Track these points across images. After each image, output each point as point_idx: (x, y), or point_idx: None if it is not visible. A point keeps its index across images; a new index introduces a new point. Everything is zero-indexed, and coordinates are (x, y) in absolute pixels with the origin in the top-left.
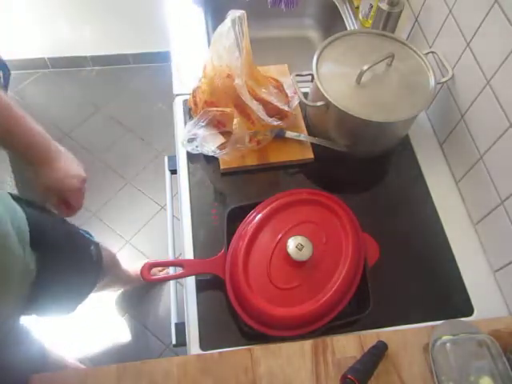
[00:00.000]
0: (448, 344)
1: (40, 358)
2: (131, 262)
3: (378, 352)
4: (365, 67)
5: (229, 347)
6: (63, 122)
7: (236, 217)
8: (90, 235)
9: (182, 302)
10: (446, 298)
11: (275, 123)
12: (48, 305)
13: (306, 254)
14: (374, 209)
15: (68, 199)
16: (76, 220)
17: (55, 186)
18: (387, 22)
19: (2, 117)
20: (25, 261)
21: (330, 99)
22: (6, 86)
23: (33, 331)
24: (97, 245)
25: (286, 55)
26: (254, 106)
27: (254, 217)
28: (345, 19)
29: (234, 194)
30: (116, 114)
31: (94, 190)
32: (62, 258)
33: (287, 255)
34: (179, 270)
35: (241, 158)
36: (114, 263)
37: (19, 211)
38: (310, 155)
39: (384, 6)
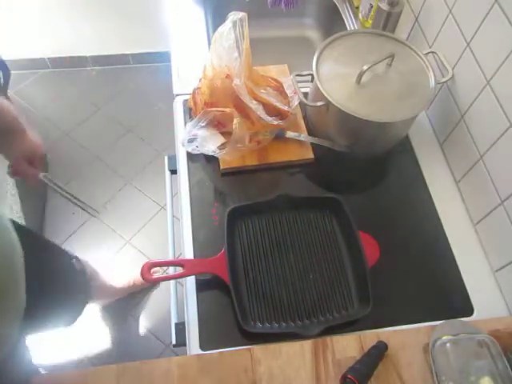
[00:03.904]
0: (448, 344)
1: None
2: (131, 261)
3: (378, 352)
4: (365, 67)
5: (229, 347)
6: (63, 122)
7: (236, 217)
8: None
9: (181, 301)
10: (446, 297)
11: (275, 123)
12: (44, 320)
13: None
14: (374, 209)
15: (35, 164)
16: (76, 220)
17: (29, 151)
18: (387, 22)
19: None
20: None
21: (330, 99)
22: (5, 86)
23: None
24: (77, 257)
25: (286, 55)
26: (254, 105)
27: None
28: (345, 19)
29: (234, 193)
30: (116, 114)
31: (94, 190)
32: (48, 274)
33: None
34: (179, 270)
35: (241, 158)
36: (97, 275)
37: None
38: (310, 155)
39: (384, 6)
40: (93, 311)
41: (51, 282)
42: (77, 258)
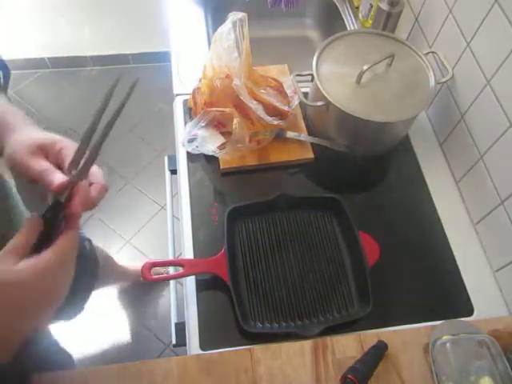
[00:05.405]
0: (448, 344)
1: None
2: (131, 262)
3: (378, 352)
4: (365, 67)
5: (229, 347)
6: (63, 122)
7: (236, 217)
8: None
9: (182, 301)
10: (446, 298)
11: (275, 123)
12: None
13: None
14: (374, 209)
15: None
16: None
17: (43, 142)
18: (387, 22)
19: None
20: None
21: (330, 99)
22: (5, 86)
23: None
24: (89, 240)
25: (286, 55)
26: (254, 105)
27: None
28: (345, 19)
29: (234, 193)
30: None
31: None
32: None
33: None
34: (179, 270)
35: (241, 157)
36: (109, 258)
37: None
38: (310, 155)
39: (384, 6)
40: (92, 311)
41: None
42: (89, 240)
